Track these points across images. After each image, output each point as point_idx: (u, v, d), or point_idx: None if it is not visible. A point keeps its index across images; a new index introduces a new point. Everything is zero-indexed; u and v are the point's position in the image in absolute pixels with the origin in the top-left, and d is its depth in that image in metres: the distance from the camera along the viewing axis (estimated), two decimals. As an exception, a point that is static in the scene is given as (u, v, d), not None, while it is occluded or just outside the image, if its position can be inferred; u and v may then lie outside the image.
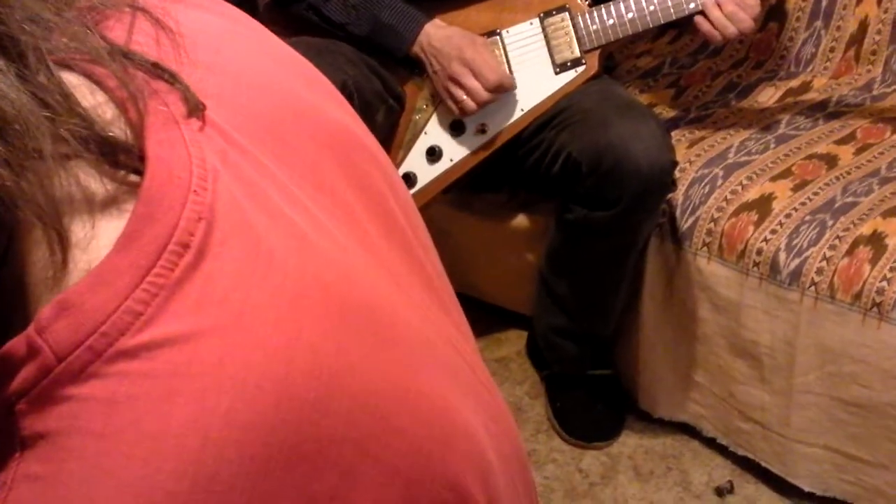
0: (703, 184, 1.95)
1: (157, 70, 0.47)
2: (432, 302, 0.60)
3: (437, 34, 1.91)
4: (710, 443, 2.05)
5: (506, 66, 1.95)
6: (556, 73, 1.95)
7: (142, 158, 0.45)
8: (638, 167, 1.75)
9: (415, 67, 1.97)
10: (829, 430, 1.82)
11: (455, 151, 1.98)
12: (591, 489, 2.00)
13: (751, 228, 1.87)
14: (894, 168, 1.96)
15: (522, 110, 1.95)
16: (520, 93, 1.95)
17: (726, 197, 1.92)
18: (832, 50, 2.30)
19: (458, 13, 1.98)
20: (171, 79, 0.48)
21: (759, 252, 1.84)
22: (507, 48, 1.97)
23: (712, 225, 1.91)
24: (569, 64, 1.94)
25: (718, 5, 1.87)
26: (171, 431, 0.40)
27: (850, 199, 1.87)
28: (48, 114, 0.42)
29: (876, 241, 1.76)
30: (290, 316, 0.45)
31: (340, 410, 0.45)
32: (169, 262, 0.42)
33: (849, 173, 1.95)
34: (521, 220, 2.15)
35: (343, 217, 0.53)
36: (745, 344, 1.90)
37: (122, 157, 0.44)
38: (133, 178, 0.44)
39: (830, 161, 2.00)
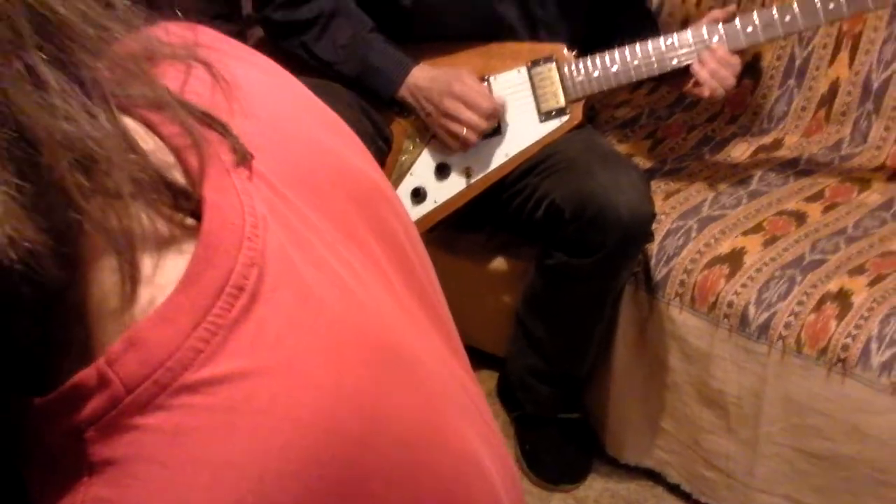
0: (677, 236, 2.01)
1: (208, 120, 0.51)
2: (444, 344, 0.64)
3: (423, 75, 1.96)
4: (675, 489, 2.09)
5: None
6: (542, 121, 2.00)
7: (198, 203, 0.48)
8: (619, 217, 1.80)
9: (402, 108, 2.01)
10: (792, 480, 1.88)
11: (440, 193, 2.02)
12: (558, 529, 2.04)
13: (722, 281, 1.92)
14: (860, 227, 2.03)
15: (507, 155, 2.01)
16: (505, 138, 2.01)
17: (700, 249, 1.98)
18: (804, 109, 2.38)
19: (446, 58, 2.03)
20: (222, 129, 0.51)
21: (730, 304, 1.90)
22: (495, 94, 2.02)
23: (685, 276, 1.96)
24: (554, 113, 2.00)
25: (702, 63, 1.94)
26: (232, 462, 0.44)
27: (818, 257, 1.93)
28: (125, 156, 0.45)
29: (842, 298, 1.82)
30: (335, 359, 0.48)
31: (380, 446, 0.48)
32: (226, 303, 0.45)
33: (817, 231, 2.02)
34: (500, 263, 2.19)
35: (371, 266, 0.56)
36: (713, 393, 1.95)
37: (181, 201, 0.48)
38: (189, 221, 0.48)
39: (800, 218, 2.06)
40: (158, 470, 0.43)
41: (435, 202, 2.02)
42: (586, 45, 2.02)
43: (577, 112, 2.00)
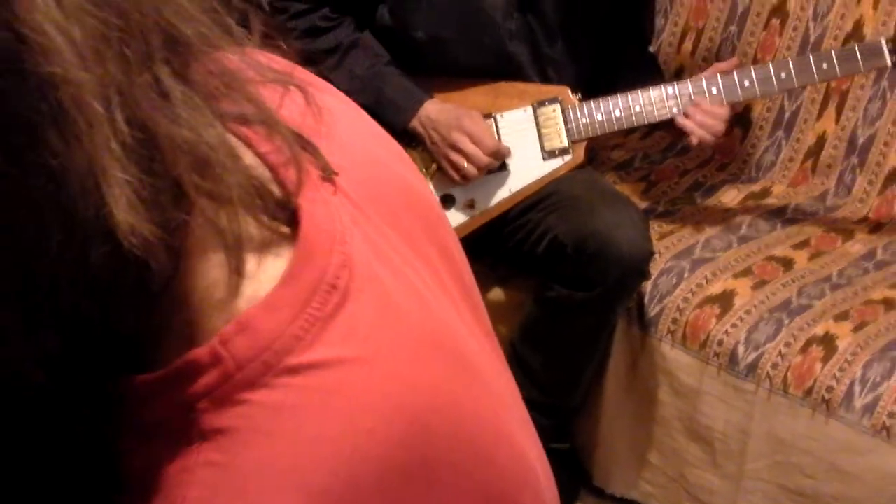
0: (671, 275, 2.09)
1: (299, 139, 0.56)
2: (495, 353, 0.70)
3: (435, 108, 2.04)
4: (658, 520, 2.16)
5: (499, 143, 2.08)
6: (545, 160, 2.08)
7: (292, 213, 0.54)
8: (620, 253, 1.88)
9: (410, 140, 2.08)
10: (774, 515, 1.95)
11: (443, 223, 2.08)
12: (543, 555, 2.09)
13: (713, 321, 2.00)
14: (844, 276, 2.12)
15: (510, 191, 2.08)
16: (509, 174, 2.08)
17: (692, 289, 2.06)
18: (791, 160, 2.47)
19: (456, 93, 2.11)
20: (312, 148, 0.56)
21: (720, 343, 1.98)
22: (501, 131, 2.10)
23: (678, 314, 2.04)
24: (557, 152, 2.08)
25: (686, 115, 2.03)
26: (327, 437, 0.49)
27: (804, 301, 2.02)
28: (234, 164, 0.51)
29: (828, 342, 1.91)
30: (414, 357, 0.54)
31: (452, 438, 0.54)
32: (322, 298, 0.51)
33: (803, 277, 2.11)
34: (497, 294, 2.26)
35: (435, 280, 0.62)
36: (700, 429, 2.03)
37: (278, 211, 0.53)
38: (284, 229, 0.53)
39: (787, 264, 2.15)
40: (263, 439, 0.49)
41: (439, 232, 2.08)
42: (592, 86, 2.10)
43: (580, 152, 2.08)
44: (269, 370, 0.49)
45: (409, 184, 0.66)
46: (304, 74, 0.62)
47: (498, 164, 2.05)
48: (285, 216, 0.54)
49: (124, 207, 0.45)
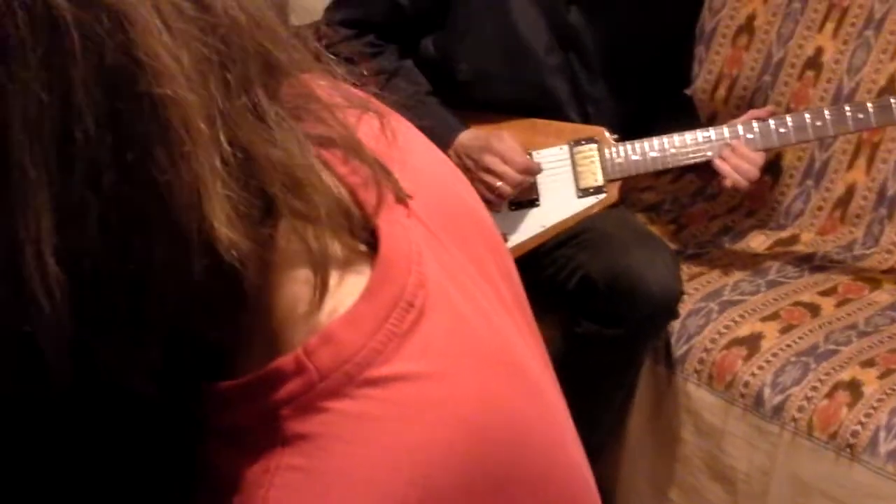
0: (699, 316, 2.12)
1: (379, 165, 0.59)
2: (549, 370, 0.73)
3: (468, 135, 2.08)
4: (677, 559, 2.17)
5: (535, 183, 2.11)
6: (579, 197, 2.12)
7: (371, 234, 0.57)
8: (651, 292, 1.91)
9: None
10: (794, 558, 1.96)
11: (476, 256, 2.12)
12: (562, 589, 2.10)
13: (740, 362, 2.03)
14: (871, 324, 2.14)
15: (543, 226, 2.12)
16: (543, 210, 2.12)
17: (720, 331, 2.08)
18: (820, 208, 2.50)
19: (493, 126, 2.14)
20: (386, 172, 0.60)
21: (746, 385, 2.00)
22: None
23: (704, 355, 2.06)
24: (591, 190, 2.12)
25: (722, 159, 2.07)
26: (406, 448, 0.52)
27: (831, 347, 2.04)
28: (321, 185, 0.54)
29: (854, 387, 1.93)
30: (486, 373, 0.57)
31: (521, 452, 0.57)
32: (400, 315, 0.54)
33: (830, 323, 2.13)
34: (525, 327, 2.29)
35: (499, 302, 0.65)
36: (723, 469, 2.04)
37: (358, 230, 0.56)
38: (362, 248, 0.56)
39: (814, 310, 2.17)
40: (344, 447, 0.51)
41: (473, 264, 2.11)
42: (628, 127, 2.14)
43: (614, 192, 2.12)
44: (350, 381, 0.52)
45: (473, 208, 0.70)
46: (377, 103, 0.65)
47: (531, 183, 2.09)
48: (364, 236, 0.57)
49: (224, 222, 0.48)
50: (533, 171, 2.08)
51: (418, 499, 0.51)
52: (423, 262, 0.57)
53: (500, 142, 2.06)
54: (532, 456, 0.58)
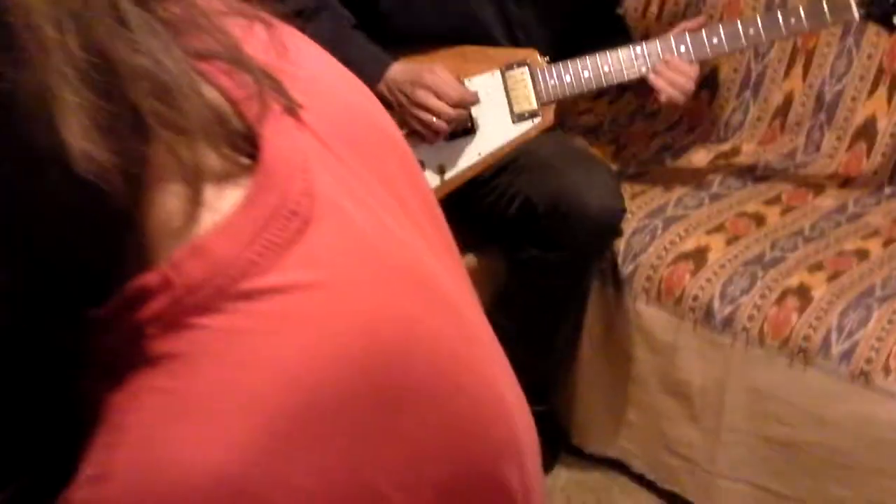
0: (643, 233, 2.09)
1: (263, 74, 0.55)
2: (468, 292, 0.70)
3: (398, 69, 2.03)
4: (639, 478, 2.16)
5: (469, 112, 2.07)
6: (514, 123, 2.08)
7: (254, 145, 0.53)
8: (591, 211, 1.88)
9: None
10: (753, 466, 1.96)
11: (414, 189, 2.07)
12: (526, 518, 2.09)
13: (687, 276, 2.01)
14: (816, 229, 2.13)
15: (480, 154, 2.07)
16: (478, 138, 2.07)
17: (665, 247, 2.06)
18: (759, 119, 2.48)
19: (422, 58, 2.09)
20: (275, 84, 0.56)
21: (695, 298, 1.98)
22: (468, 92, 2.09)
23: (652, 272, 2.04)
24: (526, 115, 2.07)
25: (657, 73, 2.03)
26: (283, 361, 0.48)
27: (778, 254, 2.03)
28: (194, 95, 0.50)
29: (803, 292, 1.92)
30: (379, 283, 0.54)
31: (419, 365, 0.53)
32: (281, 224, 0.50)
33: (776, 231, 2.11)
34: (469, 259, 2.25)
35: (407, 214, 0.61)
36: (677, 384, 2.03)
37: (239, 143, 0.53)
38: (246, 161, 0.52)
39: (759, 220, 2.16)
40: (215, 364, 0.48)
41: (411, 198, 2.07)
42: (561, 49, 2.10)
43: (549, 115, 2.08)
44: (221, 294, 0.48)
45: (379, 124, 0.66)
46: (267, 15, 0.61)
47: (466, 114, 2.04)
48: (247, 149, 0.53)
49: (78, 133, 0.44)
50: (468, 101, 2.04)
51: (297, 413, 0.48)
52: (310, 171, 0.53)
53: (432, 74, 2.00)
54: (435, 371, 0.55)
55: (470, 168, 2.08)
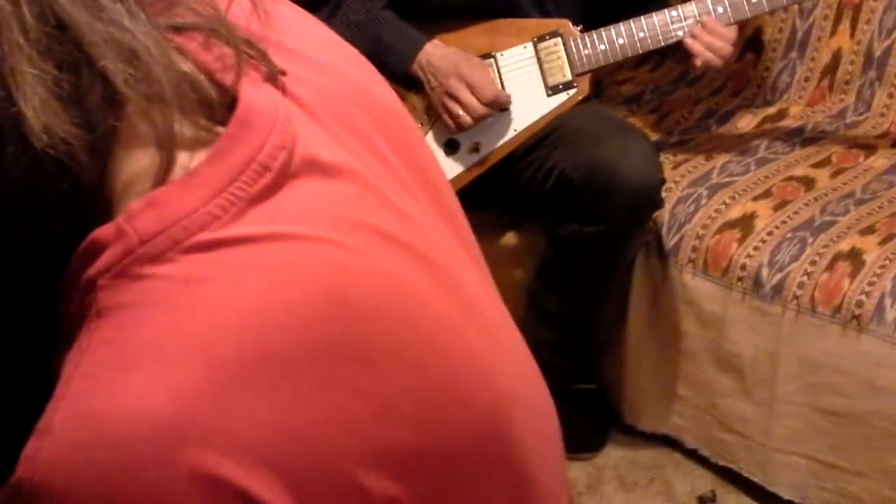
0: (688, 203, 2.03)
1: (247, 45, 0.54)
2: (470, 262, 0.67)
3: (436, 52, 1.99)
4: (692, 454, 2.11)
5: (502, 86, 2.02)
6: (549, 96, 2.02)
7: (231, 113, 0.51)
8: (629, 183, 1.83)
9: (411, 86, 2.03)
10: (810, 439, 1.89)
11: (449, 169, 2.04)
12: (578, 499, 2.05)
13: (734, 245, 1.94)
14: (868, 190, 2.05)
15: (515, 130, 2.03)
16: (513, 113, 2.03)
17: (710, 215, 2.00)
18: (807, 80, 2.40)
19: (454, 35, 2.05)
20: (257, 52, 0.55)
21: (743, 268, 1.92)
22: (502, 70, 2.04)
23: (697, 242, 1.98)
24: (560, 87, 2.02)
25: (695, 37, 1.96)
26: (238, 309, 0.47)
27: (828, 219, 1.95)
28: (166, 63, 0.49)
29: (854, 256, 1.84)
30: (349, 238, 0.52)
31: (392, 324, 0.52)
32: (250, 178, 0.49)
33: (826, 195, 2.04)
34: (510, 238, 2.21)
35: (395, 179, 0.60)
36: (728, 357, 1.97)
37: (216, 112, 0.51)
38: (221, 129, 0.51)
39: (808, 183, 2.08)
40: (165, 313, 0.47)
41: (446, 178, 2.03)
42: (594, 20, 2.04)
43: (584, 85, 2.02)
44: (176, 244, 0.47)
45: (368, 89, 0.65)
46: None
47: (495, 113, 1.99)
48: (224, 118, 0.52)
49: (36, 106, 0.43)
50: (501, 104, 1.98)
51: (248, 360, 0.47)
52: (291, 124, 0.52)
53: (472, 69, 1.95)
54: (412, 329, 0.53)
55: (505, 144, 2.03)
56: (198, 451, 0.45)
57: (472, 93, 1.94)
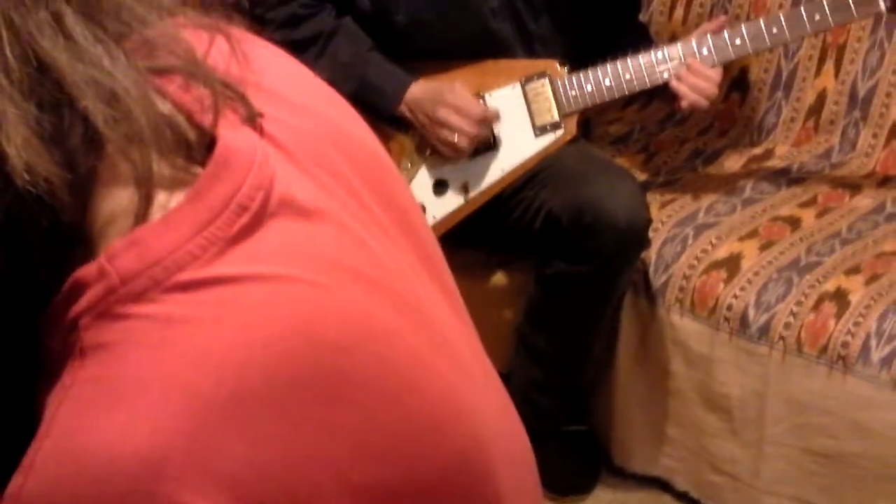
0: (674, 243, 2.04)
1: (225, 87, 0.55)
2: (447, 304, 0.67)
3: (419, 88, 2.00)
4: (683, 497, 2.10)
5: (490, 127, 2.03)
6: (536, 136, 2.04)
7: (209, 155, 0.52)
8: (615, 222, 1.83)
9: (400, 125, 2.04)
10: (798, 480, 1.89)
11: (438, 209, 2.05)
12: (567, 540, 2.04)
13: (721, 285, 1.95)
14: (854, 230, 2.06)
15: (503, 171, 2.04)
16: (501, 154, 2.04)
17: (697, 255, 2.01)
18: (792, 120, 2.42)
19: (442, 75, 2.06)
20: (236, 94, 0.56)
21: (730, 307, 1.92)
22: (489, 108, 2.05)
23: (684, 282, 1.99)
24: (548, 127, 2.03)
25: (680, 79, 1.98)
26: (217, 348, 0.48)
27: (814, 259, 1.96)
28: (145, 105, 0.50)
29: (840, 297, 1.85)
30: (326, 279, 0.53)
31: (366, 361, 0.53)
32: (229, 219, 0.50)
33: (812, 235, 2.05)
34: (499, 278, 2.21)
35: (372, 220, 0.60)
36: (716, 397, 1.97)
37: (194, 153, 0.52)
38: (199, 170, 0.52)
39: (794, 223, 2.09)
40: (147, 352, 0.47)
41: (434, 217, 2.04)
42: (582, 59, 2.05)
43: (572, 126, 2.04)
44: (156, 285, 0.48)
45: (350, 133, 0.65)
46: (230, 27, 0.61)
47: (488, 132, 2.01)
48: (202, 159, 0.52)
49: (18, 144, 0.44)
50: (488, 119, 2.00)
51: (226, 398, 0.48)
52: (268, 166, 0.53)
53: (453, 93, 1.98)
54: (387, 368, 0.54)
55: (494, 185, 2.04)
56: (174, 487, 0.46)
57: (460, 116, 1.95)
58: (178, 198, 0.50)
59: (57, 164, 0.45)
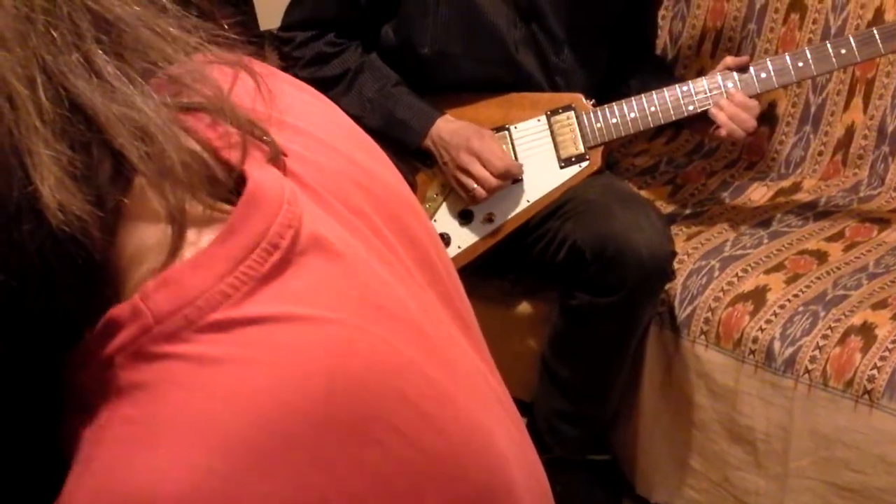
0: (700, 275, 2.04)
1: (251, 125, 0.56)
2: (466, 340, 0.68)
3: (447, 127, 2.02)
4: (707, 528, 2.09)
5: (514, 159, 2.05)
6: (561, 168, 2.05)
7: (238, 194, 0.53)
8: (639, 255, 1.84)
9: (426, 158, 2.06)
10: (823, 514, 1.88)
11: (463, 239, 2.06)
12: (590, 572, 2.03)
13: (746, 318, 1.95)
14: (881, 264, 2.05)
15: (528, 201, 2.05)
16: (526, 185, 2.05)
17: (723, 288, 2.01)
18: (820, 153, 2.42)
19: (468, 108, 2.09)
20: (260, 132, 0.56)
21: (755, 341, 1.92)
22: (515, 143, 2.07)
23: (709, 314, 1.99)
24: (573, 159, 2.05)
25: (720, 108, 1.99)
26: (250, 390, 0.48)
27: (840, 293, 1.96)
28: (175, 142, 0.51)
29: (866, 331, 1.84)
30: (356, 318, 0.53)
31: (393, 401, 0.53)
32: (260, 257, 0.50)
33: (838, 268, 2.04)
34: (524, 307, 2.22)
35: (395, 258, 0.61)
36: (740, 430, 1.96)
37: (222, 191, 0.53)
38: (228, 208, 0.53)
39: (821, 257, 2.09)
40: (182, 392, 0.48)
41: (459, 248, 2.06)
42: (602, 94, 2.07)
43: (596, 158, 2.05)
44: (190, 325, 0.48)
45: (371, 172, 0.66)
46: (255, 63, 0.62)
47: (509, 184, 2.02)
48: (230, 197, 0.53)
49: (52, 185, 0.45)
50: (513, 175, 2.01)
51: (261, 442, 0.48)
52: (296, 204, 0.53)
53: (481, 140, 1.99)
54: (412, 406, 0.54)
55: (518, 215, 2.06)
56: None
57: (484, 166, 1.97)
58: (207, 235, 0.51)
59: (88, 202, 0.46)
